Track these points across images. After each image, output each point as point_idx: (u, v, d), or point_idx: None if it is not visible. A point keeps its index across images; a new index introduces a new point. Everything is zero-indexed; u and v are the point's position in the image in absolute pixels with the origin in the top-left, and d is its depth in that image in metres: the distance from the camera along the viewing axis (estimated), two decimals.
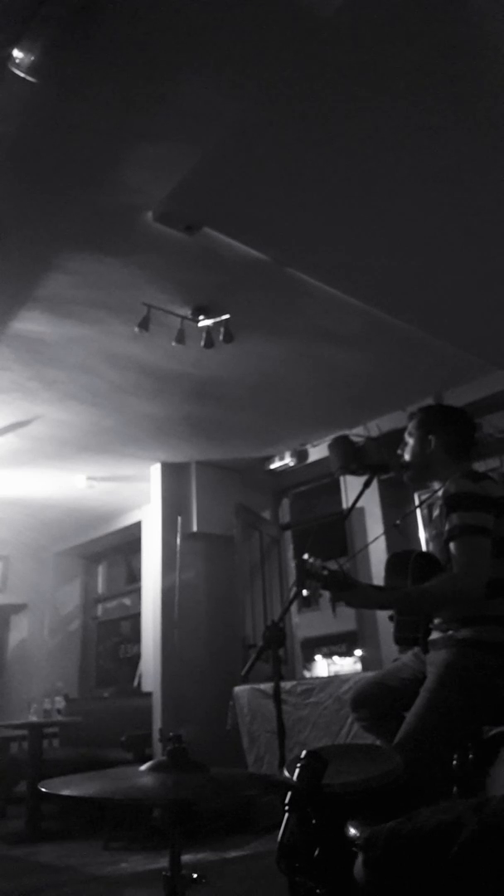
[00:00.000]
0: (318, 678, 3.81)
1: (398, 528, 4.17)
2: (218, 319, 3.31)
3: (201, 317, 3.31)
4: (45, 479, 5.59)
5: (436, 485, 2.24)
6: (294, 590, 2.16)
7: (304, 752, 1.22)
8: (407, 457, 2.28)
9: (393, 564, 2.28)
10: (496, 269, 3.07)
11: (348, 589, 2.02)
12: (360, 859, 1.00)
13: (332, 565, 2.05)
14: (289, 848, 1.08)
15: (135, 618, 6.59)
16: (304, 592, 2.04)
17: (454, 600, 1.98)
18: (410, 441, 2.28)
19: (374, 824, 1.08)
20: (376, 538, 4.44)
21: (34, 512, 6.29)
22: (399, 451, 2.34)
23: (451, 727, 1.85)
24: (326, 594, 2.18)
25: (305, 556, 2.02)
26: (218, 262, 2.97)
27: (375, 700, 2.20)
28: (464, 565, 1.92)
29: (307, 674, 5.21)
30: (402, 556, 2.26)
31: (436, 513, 2.15)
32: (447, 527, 1.99)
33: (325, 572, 2.00)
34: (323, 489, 5.36)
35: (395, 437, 2.37)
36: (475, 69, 2.06)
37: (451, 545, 1.96)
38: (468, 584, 1.91)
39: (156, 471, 5.46)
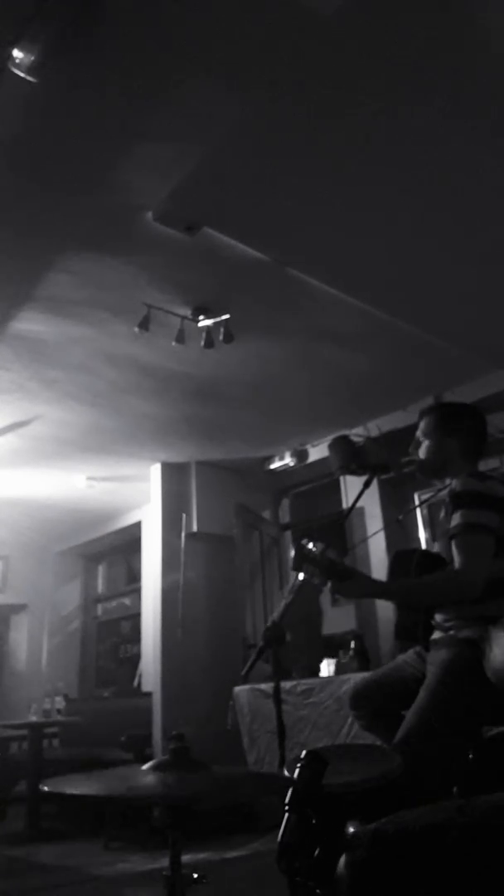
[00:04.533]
0: (318, 678, 3.81)
1: (400, 523, 4.18)
2: (218, 319, 3.30)
3: (201, 317, 3.30)
4: (45, 479, 5.59)
5: (446, 482, 2.24)
6: (296, 587, 2.14)
7: (304, 752, 1.22)
8: (422, 455, 2.27)
9: (397, 562, 2.28)
10: (496, 268, 3.07)
11: (347, 578, 2.02)
12: (343, 860, 0.99)
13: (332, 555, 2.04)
14: (289, 848, 1.08)
15: (135, 618, 6.59)
16: (301, 576, 2.01)
17: (451, 596, 1.99)
18: (426, 441, 2.26)
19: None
20: (377, 532, 4.45)
21: (34, 512, 6.29)
22: (410, 451, 2.33)
23: (450, 727, 1.85)
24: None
25: (304, 541, 2.01)
26: (218, 262, 2.97)
27: (374, 698, 2.20)
28: (463, 562, 1.92)
29: None
30: (407, 554, 2.27)
31: (443, 513, 2.15)
32: (451, 524, 1.99)
33: (326, 560, 1.99)
34: (323, 489, 5.35)
35: (395, 437, 2.38)
36: (475, 68, 2.06)
37: (453, 542, 1.96)
38: (466, 582, 1.91)
39: (156, 471, 5.46)
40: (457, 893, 0.91)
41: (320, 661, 4.08)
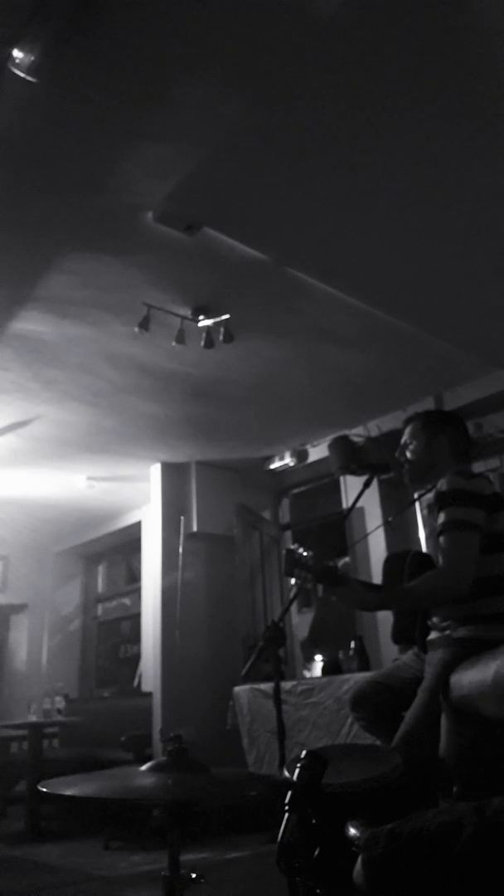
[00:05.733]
0: (318, 678, 3.81)
1: (391, 524, 4.18)
2: (218, 319, 3.31)
3: (201, 317, 3.31)
4: (45, 479, 5.59)
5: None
6: (294, 590, 2.17)
7: (304, 752, 1.22)
8: (410, 457, 2.29)
9: (390, 565, 2.29)
10: (496, 268, 3.07)
11: (339, 584, 2.03)
12: (359, 860, 1.00)
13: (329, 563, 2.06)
14: (289, 848, 1.08)
15: (135, 618, 6.59)
16: (293, 581, 2.04)
17: (441, 595, 1.99)
18: (413, 443, 2.29)
19: (374, 824, 1.08)
20: (373, 530, 4.46)
21: (34, 512, 6.29)
22: (397, 456, 2.35)
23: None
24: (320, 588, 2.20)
25: (293, 546, 2.03)
26: (218, 262, 2.97)
27: (375, 700, 2.20)
28: (448, 560, 1.93)
29: (307, 674, 5.20)
30: (399, 557, 2.27)
31: (430, 512, 2.16)
32: (437, 522, 2.00)
33: (317, 566, 2.00)
34: (323, 489, 5.35)
35: (396, 437, 2.38)
36: (475, 68, 2.06)
37: (440, 540, 1.97)
38: (452, 580, 1.91)
39: (156, 471, 5.46)
40: (474, 892, 0.91)
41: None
